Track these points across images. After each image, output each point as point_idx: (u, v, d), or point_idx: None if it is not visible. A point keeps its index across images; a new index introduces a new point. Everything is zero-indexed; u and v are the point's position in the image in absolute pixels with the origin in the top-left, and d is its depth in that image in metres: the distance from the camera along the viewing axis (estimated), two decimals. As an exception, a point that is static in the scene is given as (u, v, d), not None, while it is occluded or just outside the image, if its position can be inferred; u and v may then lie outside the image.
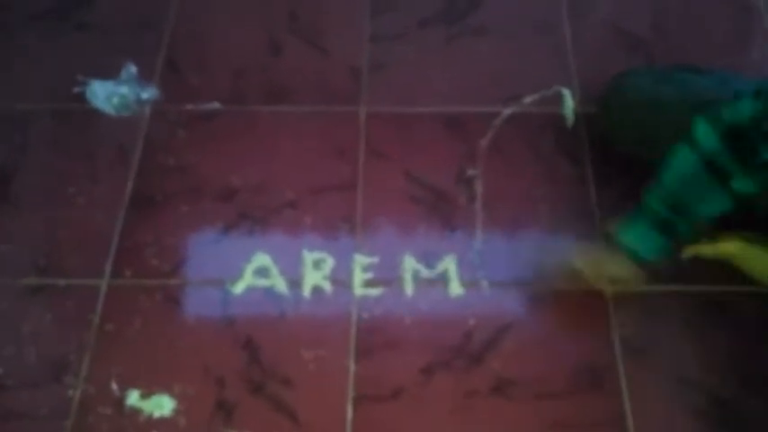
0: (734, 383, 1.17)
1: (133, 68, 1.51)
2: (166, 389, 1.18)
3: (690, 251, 1.22)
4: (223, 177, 1.40)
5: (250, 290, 1.28)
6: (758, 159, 1.06)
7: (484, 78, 1.52)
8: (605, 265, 1.20)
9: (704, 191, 1.11)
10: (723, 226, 1.22)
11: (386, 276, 1.29)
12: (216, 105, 1.49)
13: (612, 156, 1.36)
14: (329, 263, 1.30)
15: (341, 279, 1.29)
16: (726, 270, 1.22)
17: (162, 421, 1.15)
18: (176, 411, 1.16)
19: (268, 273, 1.29)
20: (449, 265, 1.29)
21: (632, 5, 1.63)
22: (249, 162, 1.42)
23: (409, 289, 1.27)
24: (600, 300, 1.24)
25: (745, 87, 1.09)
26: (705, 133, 1.09)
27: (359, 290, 1.27)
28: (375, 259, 1.30)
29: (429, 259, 1.30)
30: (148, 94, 1.50)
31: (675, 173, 1.12)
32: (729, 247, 1.19)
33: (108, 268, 1.30)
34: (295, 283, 1.28)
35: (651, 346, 1.21)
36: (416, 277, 1.28)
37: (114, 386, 1.18)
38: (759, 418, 1.14)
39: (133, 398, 1.17)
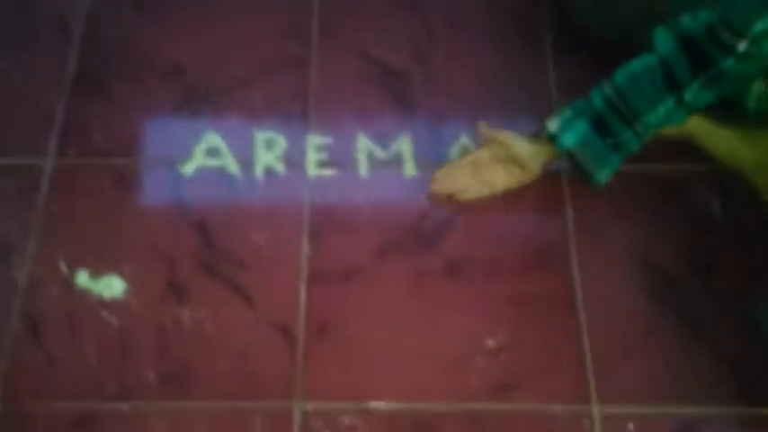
0: (683, 263, 1.18)
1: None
2: (116, 270, 1.16)
3: None
4: (172, 53, 1.35)
5: (201, 171, 1.25)
6: (713, 71, 1.06)
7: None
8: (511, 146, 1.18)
9: (654, 96, 1.10)
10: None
11: (339, 157, 1.27)
12: (163, -24, 1.42)
13: (573, 36, 1.33)
14: (281, 143, 1.28)
15: (294, 160, 1.26)
16: (682, 148, 1.21)
17: (113, 302, 1.14)
18: (127, 292, 1.15)
19: (219, 153, 1.26)
20: (403, 145, 1.27)
21: None
22: (199, 38, 1.37)
23: (363, 170, 1.25)
24: (556, 182, 1.24)
25: None
26: (662, 39, 1.08)
27: (312, 171, 1.25)
28: (328, 140, 1.28)
29: (383, 139, 1.28)
30: (90, -38, 1.42)
31: (628, 70, 1.11)
32: (690, 124, 1.18)
33: (52, 147, 1.26)
34: (247, 165, 1.26)
35: (604, 227, 1.21)
36: (371, 158, 1.26)
37: (63, 266, 1.16)
38: (703, 298, 1.16)
39: (82, 278, 1.16)
